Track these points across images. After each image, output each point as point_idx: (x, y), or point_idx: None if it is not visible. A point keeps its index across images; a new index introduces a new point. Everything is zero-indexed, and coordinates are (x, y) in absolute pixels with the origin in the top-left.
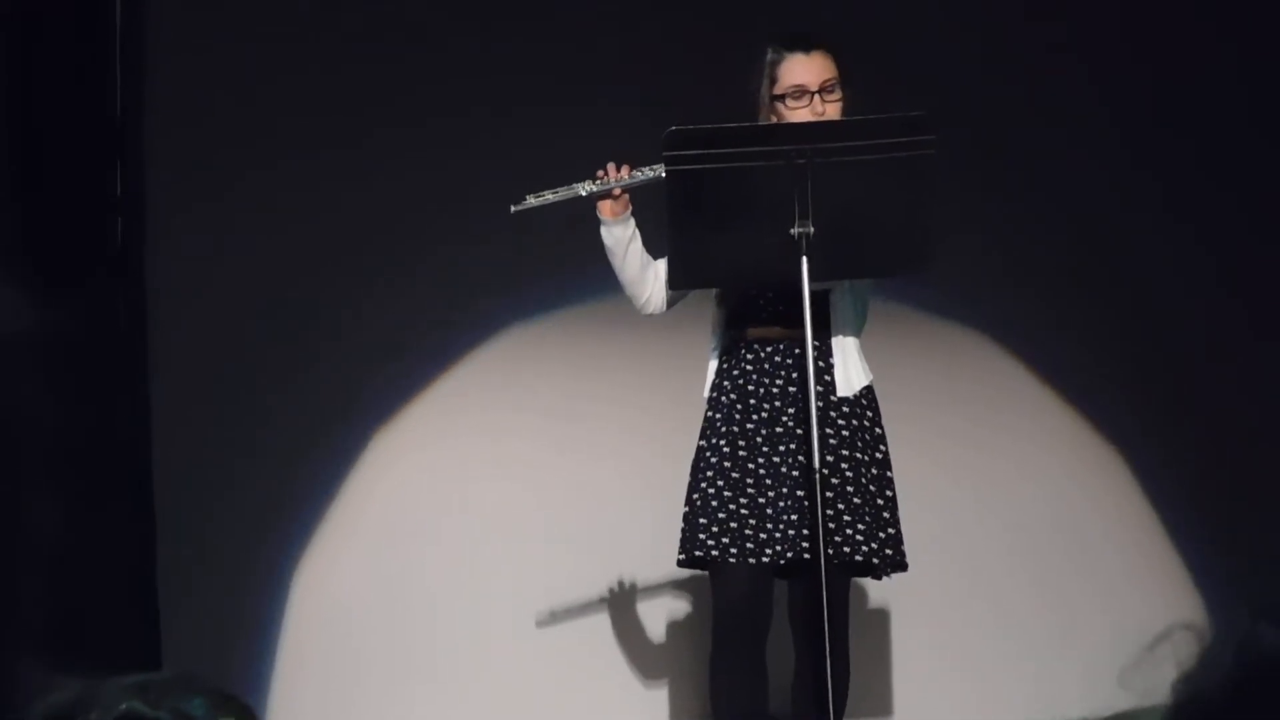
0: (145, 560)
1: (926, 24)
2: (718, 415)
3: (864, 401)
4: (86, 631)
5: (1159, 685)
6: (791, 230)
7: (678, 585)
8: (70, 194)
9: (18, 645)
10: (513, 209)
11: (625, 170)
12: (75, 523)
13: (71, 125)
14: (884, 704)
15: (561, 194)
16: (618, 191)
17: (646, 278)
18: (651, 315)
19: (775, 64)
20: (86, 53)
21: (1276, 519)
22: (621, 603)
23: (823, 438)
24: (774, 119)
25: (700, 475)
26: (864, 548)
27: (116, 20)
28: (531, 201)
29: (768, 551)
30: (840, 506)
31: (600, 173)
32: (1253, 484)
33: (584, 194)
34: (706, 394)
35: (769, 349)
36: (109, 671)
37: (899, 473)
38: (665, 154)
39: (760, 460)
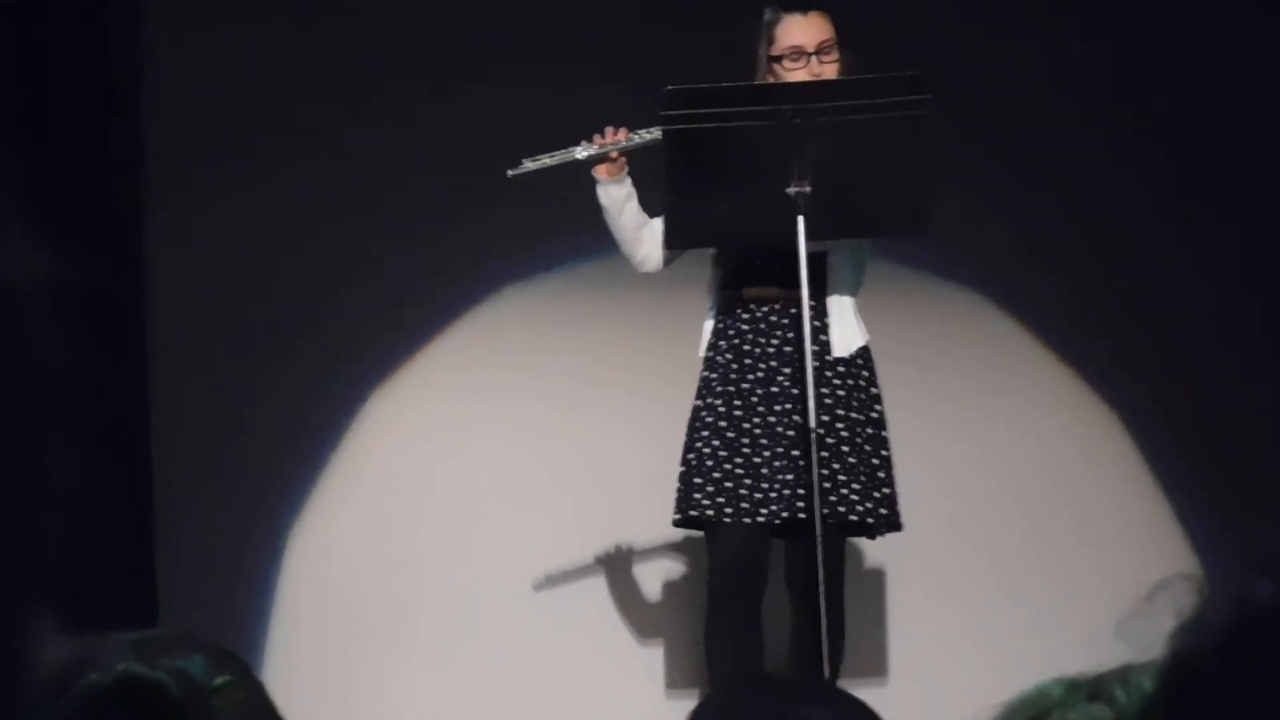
0: (143, 520)
1: None
2: (714, 375)
3: (860, 361)
4: (85, 589)
5: (1156, 638)
6: (788, 190)
7: (674, 545)
8: (69, 162)
9: (29, 597)
10: (509, 174)
11: (622, 133)
12: (77, 479)
13: (71, 94)
14: (879, 663)
15: (558, 158)
16: (614, 154)
17: (643, 237)
18: (648, 274)
19: (773, 25)
20: (82, 18)
21: (1271, 477)
22: (618, 563)
23: (818, 398)
24: (771, 80)
25: (696, 435)
26: (859, 507)
27: None
28: (528, 165)
29: (763, 511)
30: (835, 466)
31: (597, 136)
32: (1247, 443)
33: (581, 158)
34: (702, 354)
35: (765, 309)
36: (106, 630)
37: (895, 433)
38: (663, 113)
39: (756, 420)
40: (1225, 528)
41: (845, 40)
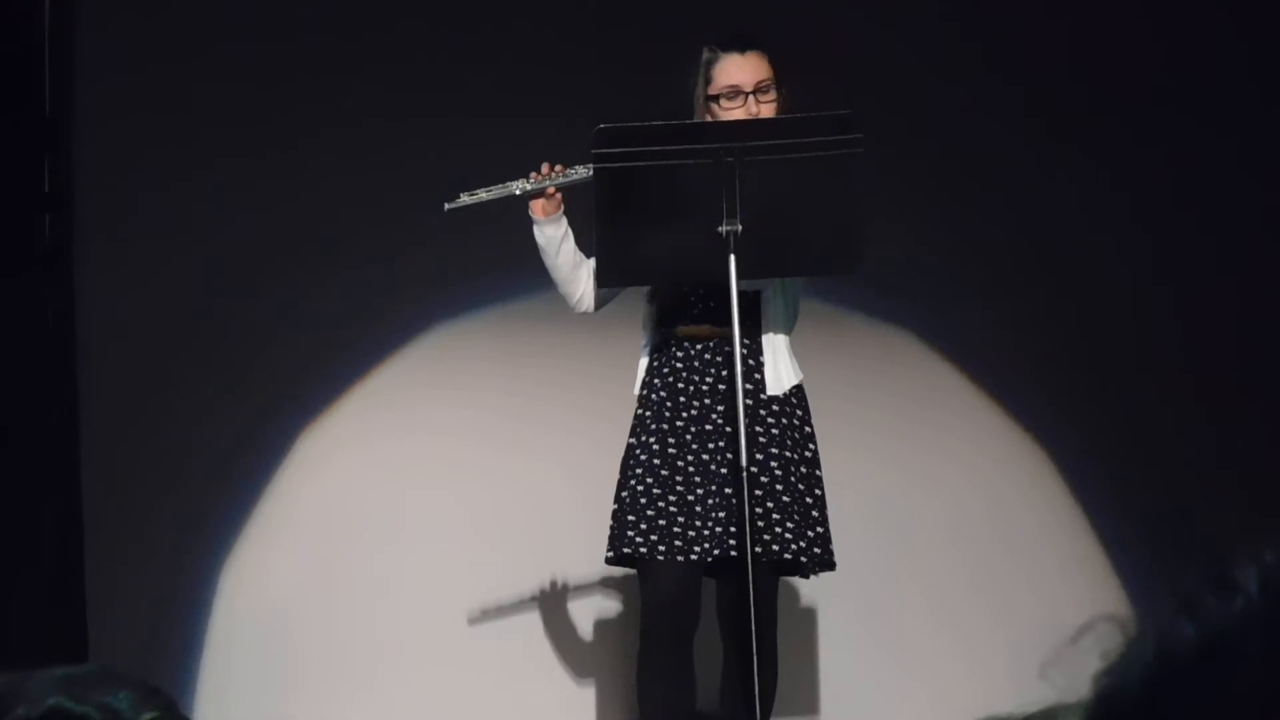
0: (73, 557)
1: (861, 20)
2: (647, 413)
3: (793, 400)
4: (12, 626)
5: (1081, 679)
6: (720, 228)
7: (607, 583)
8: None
9: None
10: (446, 207)
11: (559, 169)
12: (3, 515)
13: (0, 122)
14: (811, 702)
15: (495, 192)
16: (551, 190)
17: (579, 276)
18: (584, 313)
19: (711, 64)
20: (16, 50)
21: (1194, 516)
22: (551, 600)
23: (752, 436)
24: (709, 118)
25: (629, 473)
26: (792, 546)
27: (45, 17)
28: (465, 200)
29: (696, 549)
30: (769, 505)
31: (534, 172)
32: (1172, 480)
33: (518, 193)
34: (637, 391)
35: (699, 347)
36: (34, 666)
37: (828, 470)
38: (594, 151)
39: (689, 458)
40: (1152, 565)
41: (784, 79)
